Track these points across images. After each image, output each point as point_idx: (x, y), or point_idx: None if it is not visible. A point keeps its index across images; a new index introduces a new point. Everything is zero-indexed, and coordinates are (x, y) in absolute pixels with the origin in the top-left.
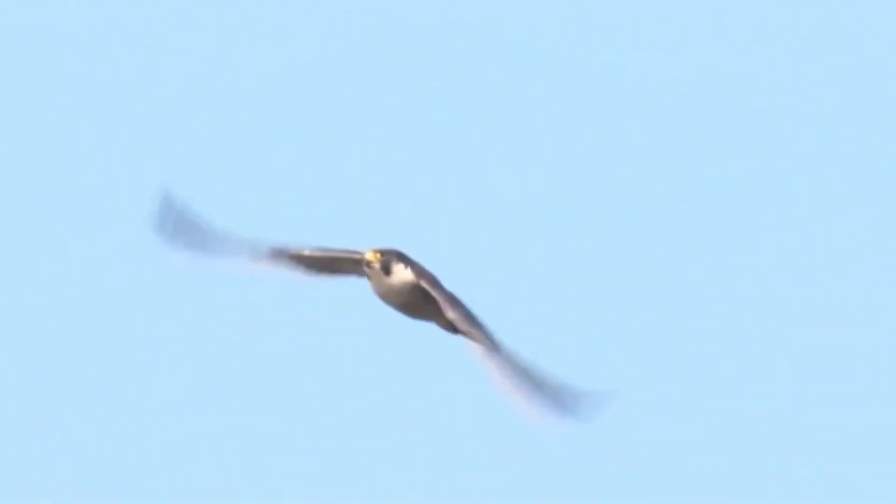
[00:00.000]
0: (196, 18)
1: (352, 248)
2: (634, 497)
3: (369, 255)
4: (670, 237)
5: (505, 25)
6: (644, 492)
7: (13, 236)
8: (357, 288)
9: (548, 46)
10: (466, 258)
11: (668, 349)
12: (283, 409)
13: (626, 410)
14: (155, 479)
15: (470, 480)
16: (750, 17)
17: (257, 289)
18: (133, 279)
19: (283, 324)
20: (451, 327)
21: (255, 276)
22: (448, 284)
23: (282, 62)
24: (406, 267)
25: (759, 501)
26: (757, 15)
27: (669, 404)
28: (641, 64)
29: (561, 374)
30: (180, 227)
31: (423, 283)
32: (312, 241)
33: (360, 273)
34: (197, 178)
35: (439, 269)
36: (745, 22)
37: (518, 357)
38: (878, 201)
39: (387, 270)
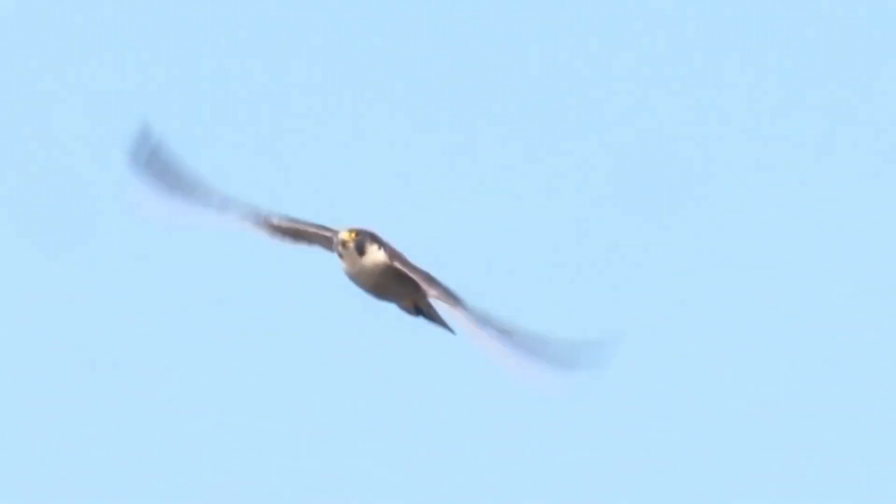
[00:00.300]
0: None
1: (324, 224)
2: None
3: (344, 235)
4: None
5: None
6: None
7: None
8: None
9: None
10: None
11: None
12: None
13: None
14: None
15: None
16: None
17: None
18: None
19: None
20: (414, 309)
21: (224, 231)
22: (418, 262)
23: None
24: (379, 248)
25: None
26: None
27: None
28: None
29: (553, 330)
30: (157, 164)
31: (398, 265)
32: (286, 209)
33: (329, 248)
34: (182, 126)
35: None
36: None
37: (504, 323)
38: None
39: (361, 251)
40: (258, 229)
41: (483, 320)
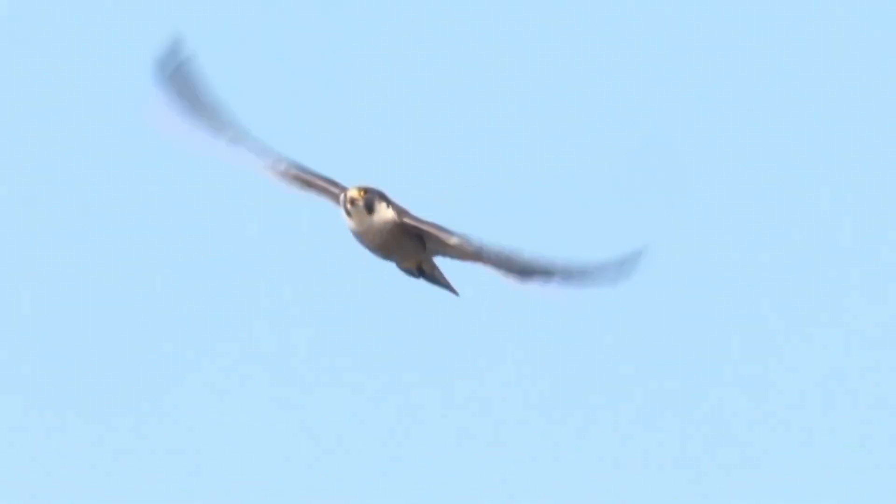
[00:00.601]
0: None
1: (334, 178)
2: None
3: (353, 193)
4: None
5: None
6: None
7: None
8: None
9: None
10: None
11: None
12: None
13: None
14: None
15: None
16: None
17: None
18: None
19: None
20: (417, 270)
21: (232, 165)
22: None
23: None
24: (388, 206)
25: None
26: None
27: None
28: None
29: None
30: (182, 79)
31: (409, 221)
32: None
33: (336, 203)
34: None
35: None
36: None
37: (525, 260)
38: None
39: (370, 209)
40: (267, 170)
41: (504, 262)
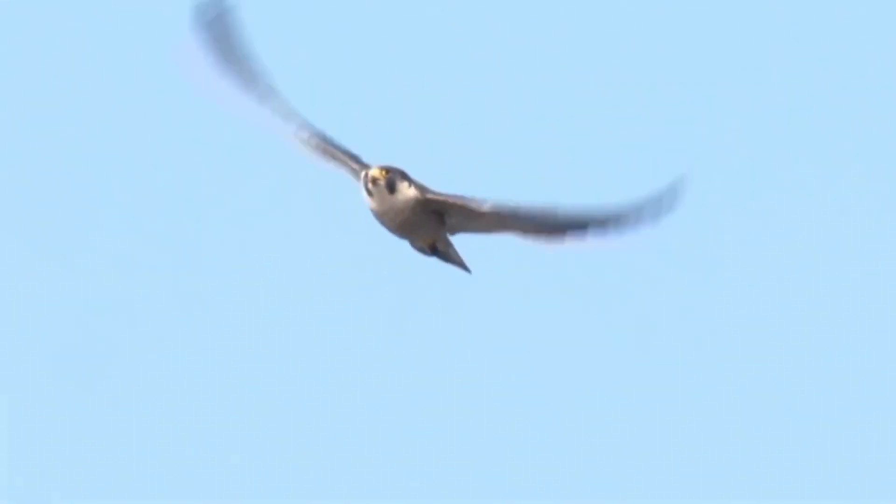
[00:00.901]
0: None
1: (356, 153)
2: None
3: (374, 172)
4: None
5: None
6: None
7: None
8: None
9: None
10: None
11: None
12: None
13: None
14: None
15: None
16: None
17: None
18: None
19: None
20: (430, 248)
21: (262, 123)
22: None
23: None
24: (410, 185)
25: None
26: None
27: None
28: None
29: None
30: (220, 28)
31: (433, 197)
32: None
33: (356, 178)
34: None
35: None
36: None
37: (560, 215)
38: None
39: (391, 189)
40: (291, 136)
41: (539, 221)
